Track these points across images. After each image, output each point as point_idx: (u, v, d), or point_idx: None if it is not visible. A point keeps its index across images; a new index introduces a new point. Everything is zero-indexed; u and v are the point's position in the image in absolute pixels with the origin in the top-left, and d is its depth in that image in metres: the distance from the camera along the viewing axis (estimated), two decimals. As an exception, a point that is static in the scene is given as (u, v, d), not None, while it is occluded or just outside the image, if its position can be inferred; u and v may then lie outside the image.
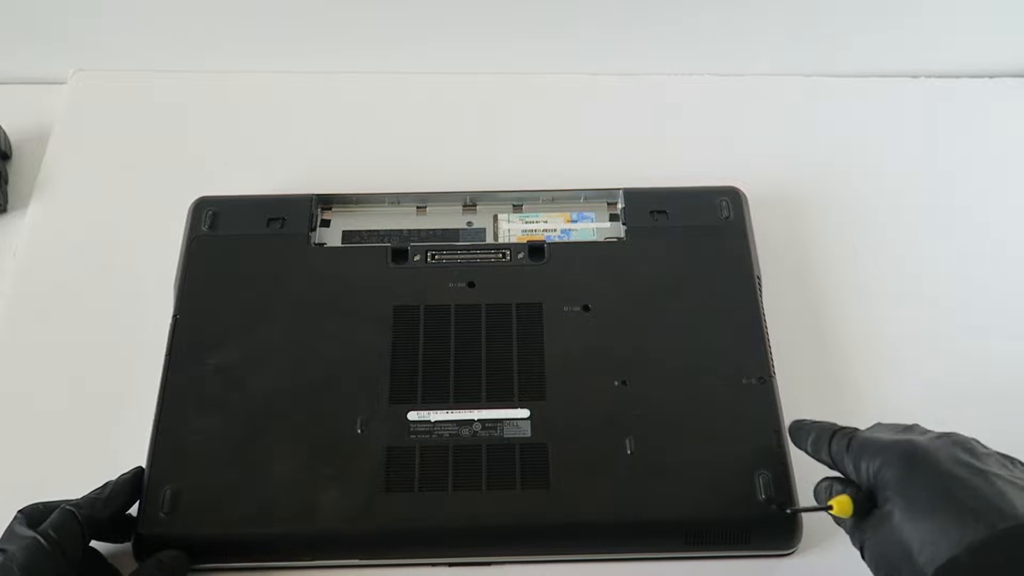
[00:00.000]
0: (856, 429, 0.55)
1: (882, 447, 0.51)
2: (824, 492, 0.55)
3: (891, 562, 0.49)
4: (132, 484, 0.60)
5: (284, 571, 0.61)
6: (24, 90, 0.84)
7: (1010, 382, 0.58)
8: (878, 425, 0.55)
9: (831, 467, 0.56)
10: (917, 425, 0.53)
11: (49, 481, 0.61)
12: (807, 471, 0.59)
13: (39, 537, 0.54)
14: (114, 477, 0.60)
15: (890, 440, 0.51)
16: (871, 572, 0.51)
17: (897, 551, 0.49)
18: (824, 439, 0.55)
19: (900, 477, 0.49)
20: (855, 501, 0.52)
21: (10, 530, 0.56)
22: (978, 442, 0.51)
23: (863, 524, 0.52)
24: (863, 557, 0.52)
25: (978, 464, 0.48)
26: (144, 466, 0.61)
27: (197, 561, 0.60)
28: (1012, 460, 0.50)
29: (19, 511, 0.57)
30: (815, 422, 0.58)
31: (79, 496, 0.59)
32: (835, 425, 0.56)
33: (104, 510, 0.58)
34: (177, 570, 0.58)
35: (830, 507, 0.53)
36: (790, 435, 0.60)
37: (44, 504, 0.57)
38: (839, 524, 0.54)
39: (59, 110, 0.83)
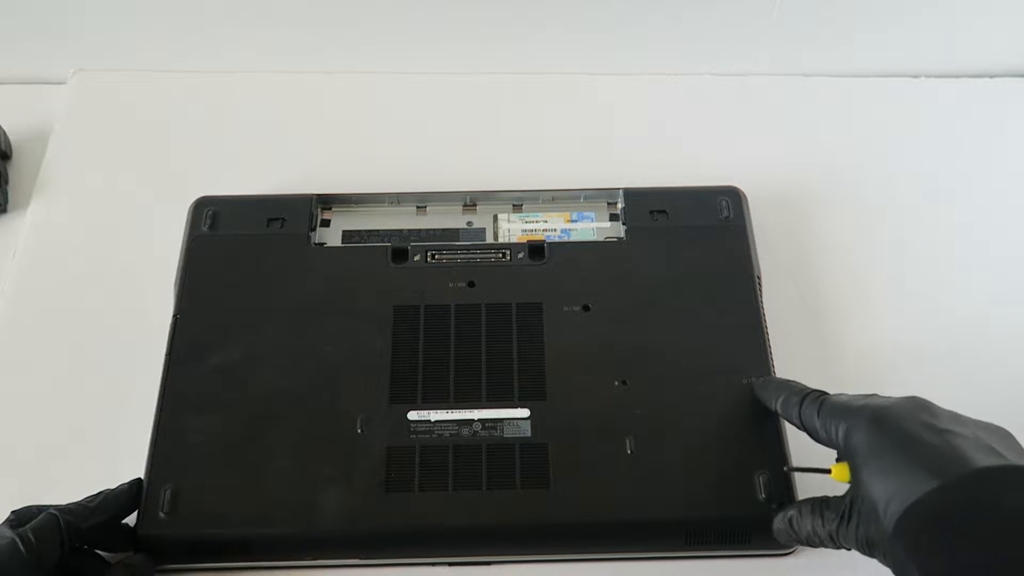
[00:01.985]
0: (824, 393, 0.57)
1: (851, 411, 0.54)
2: (786, 524, 0.57)
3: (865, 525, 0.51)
4: (126, 496, 0.60)
5: (284, 571, 0.61)
6: (24, 90, 0.84)
7: (1012, 382, 0.58)
8: (841, 395, 0.57)
9: (799, 428, 0.58)
10: (876, 395, 0.55)
11: (48, 481, 0.62)
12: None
13: (16, 538, 0.54)
14: (114, 479, 0.60)
15: (858, 405, 0.54)
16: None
17: (868, 511, 0.51)
18: (794, 403, 0.58)
19: (868, 440, 0.52)
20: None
21: None
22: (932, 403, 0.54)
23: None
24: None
25: (936, 424, 0.51)
26: (143, 473, 0.61)
27: (197, 561, 0.61)
28: (961, 418, 0.53)
29: (12, 512, 0.57)
30: (781, 381, 0.61)
31: (78, 497, 0.59)
32: (803, 388, 0.59)
33: (90, 518, 0.58)
34: (141, 572, 0.59)
35: (828, 471, 0.54)
36: (755, 390, 0.62)
37: (37, 507, 0.57)
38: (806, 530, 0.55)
39: (59, 110, 0.82)
